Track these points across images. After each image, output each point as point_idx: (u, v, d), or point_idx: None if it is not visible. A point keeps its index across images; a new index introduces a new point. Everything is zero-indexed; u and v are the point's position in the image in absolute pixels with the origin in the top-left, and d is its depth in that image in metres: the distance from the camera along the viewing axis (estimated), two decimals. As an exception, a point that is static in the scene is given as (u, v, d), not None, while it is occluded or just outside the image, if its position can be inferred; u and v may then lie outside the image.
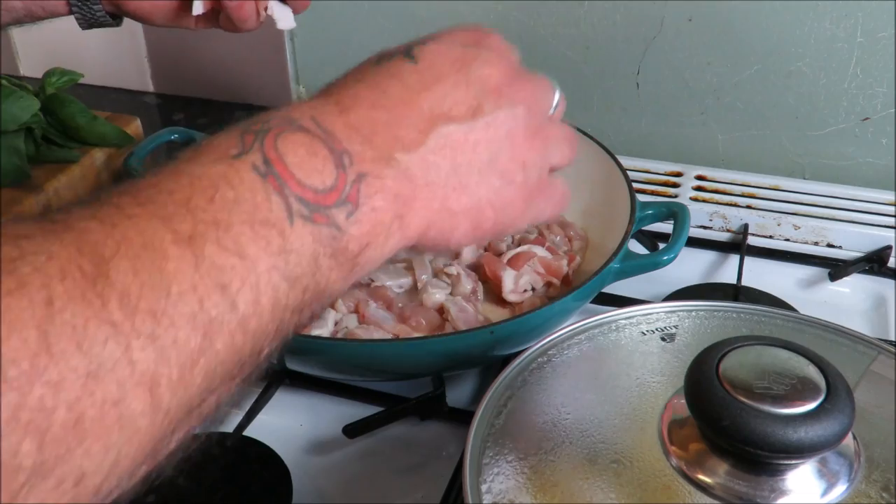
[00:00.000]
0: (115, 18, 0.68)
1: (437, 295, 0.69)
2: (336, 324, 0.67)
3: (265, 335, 0.35)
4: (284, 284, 0.34)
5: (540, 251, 0.72)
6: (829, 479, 0.40)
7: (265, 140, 0.36)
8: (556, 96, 0.49)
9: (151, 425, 0.29)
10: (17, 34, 1.19)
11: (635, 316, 0.52)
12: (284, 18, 0.69)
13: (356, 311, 0.68)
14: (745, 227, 0.85)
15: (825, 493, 0.39)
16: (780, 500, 0.39)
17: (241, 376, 0.35)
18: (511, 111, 0.44)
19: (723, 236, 0.86)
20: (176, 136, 0.85)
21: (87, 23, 0.67)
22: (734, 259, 0.81)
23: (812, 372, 0.40)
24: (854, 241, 0.83)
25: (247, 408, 0.64)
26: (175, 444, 0.32)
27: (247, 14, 0.66)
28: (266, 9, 0.67)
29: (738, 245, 0.83)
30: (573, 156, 0.49)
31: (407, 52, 0.44)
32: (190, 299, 0.30)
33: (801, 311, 0.66)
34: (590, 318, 0.52)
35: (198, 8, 0.66)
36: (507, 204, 0.44)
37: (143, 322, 0.28)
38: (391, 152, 0.39)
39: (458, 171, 0.42)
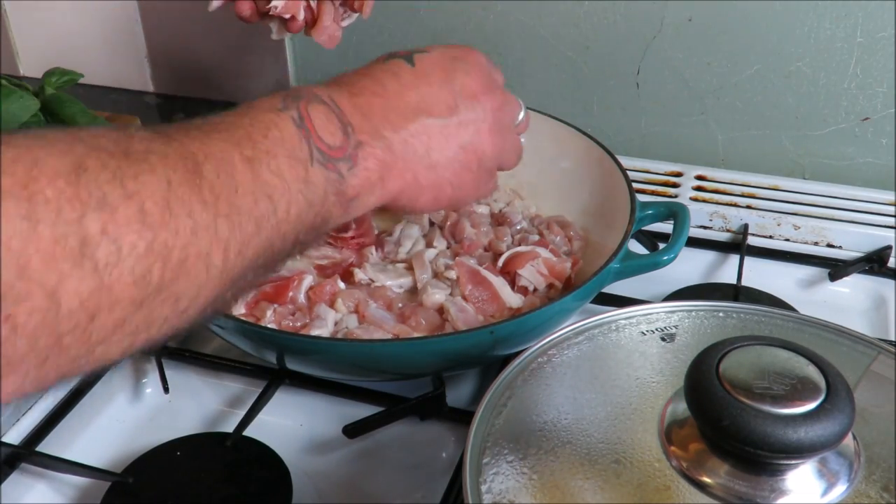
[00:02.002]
0: None
1: (437, 295, 0.69)
2: (336, 324, 0.67)
3: (289, 238, 0.45)
4: (305, 204, 0.45)
5: (544, 252, 0.72)
6: (829, 479, 0.40)
7: (300, 104, 0.48)
8: (522, 113, 0.63)
9: (220, 277, 0.39)
10: (17, 34, 1.19)
11: (635, 316, 0.52)
12: (280, 31, 0.73)
13: (356, 311, 0.68)
14: (745, 227, 0.85)
15: (825, 493, 0.39)
16: (780, 500, 0.39)
17: (266, 267, 0.44)
18: (482, 114, 0.57)
19: (723, 236, 0.86)
20: (176, 136, 0.85)
21: None
22: (734, 259, 0.81)
23: (812, 372, 0.40)
24: (854, 241, 0.83)
25: (247, 408, 0.64)
26: (221, 303, 0.42)
27: (246, 16, 0.72)
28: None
29: (738, 245, 0.83)
30: (515, 164, 0.64)
31: (408, 57, 0.56)
32: (248, 199, 0.41)
33: (801, 311, 0.66)
34: (590, 318, 0.52)
35: (214, 5, 0.72)
36: (463, 184, 0.57)
37: (223, 206, 0.39)
38: (382, 131, 0.52)
39: (430, 154, 0.54)
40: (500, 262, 0.72)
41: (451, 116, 0.55)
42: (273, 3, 0.69)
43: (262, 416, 0.64)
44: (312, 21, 0.72)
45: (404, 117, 0.53)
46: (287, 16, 0.70)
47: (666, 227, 0.74)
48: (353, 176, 0.49)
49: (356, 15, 0.74)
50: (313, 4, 0.71)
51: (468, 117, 0.56)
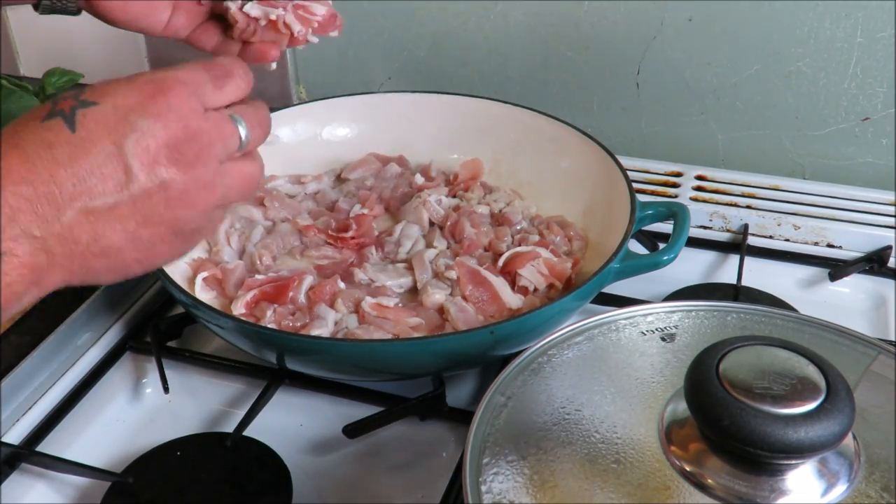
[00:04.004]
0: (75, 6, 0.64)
1: (436, 295, 0.69)
2: (336, 324, 0.67)
3: None
4: None
5: (544, 252, 0.72)
6: (829, 479, 0.40)
7: None
8: (243, 134, 0.49)
9: None
10: (17, 34, 1.19)
11: (635, 316, 0.52)
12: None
13: (356, 311, 0.68)
14: (745, 227, 0.84)
15: (825, 493, 0.39)
16: (780, 500, 0.39)
17: None
18: (168, 180, 0.45)
19: (723, 236, 0.86)
20: (176, 136, 0.85)
21: (50, 9, 0.65)
22: (734, 259, 0.81)
23: (812, 372, 0.40)
24: (854, 241, 0.83)
25: (247, 408, 0.64)
26: None
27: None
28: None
29: (738, 245, 0.83)
30: (249, 194, 0.52)
31: (71, 114, 0.44)
32: None
33: (801, 311, 0.66)
34: (590, 318, 0.52)
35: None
36: (156, 253, 0.47)
37: None
38: (30, 229, 0.42)
39: (98, 241, 0.44)
40: (501, 263, 0.72)
41: (121, 193, 0.44)
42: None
43: (262, 416, 0.64)
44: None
45: (57, 207, 0.42)
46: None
47: (666, 227, 0.74)
48: None
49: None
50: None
51: (148, 188, 0.44)
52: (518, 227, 0.78)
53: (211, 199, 0.48)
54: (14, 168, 0.42)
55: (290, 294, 0.69)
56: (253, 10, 0.58)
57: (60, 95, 0.46)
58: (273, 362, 0.65)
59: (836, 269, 0.80)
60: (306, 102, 0.90)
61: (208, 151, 0.47)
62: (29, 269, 0.42)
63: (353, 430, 0.62)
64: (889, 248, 0.81)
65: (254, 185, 0.52)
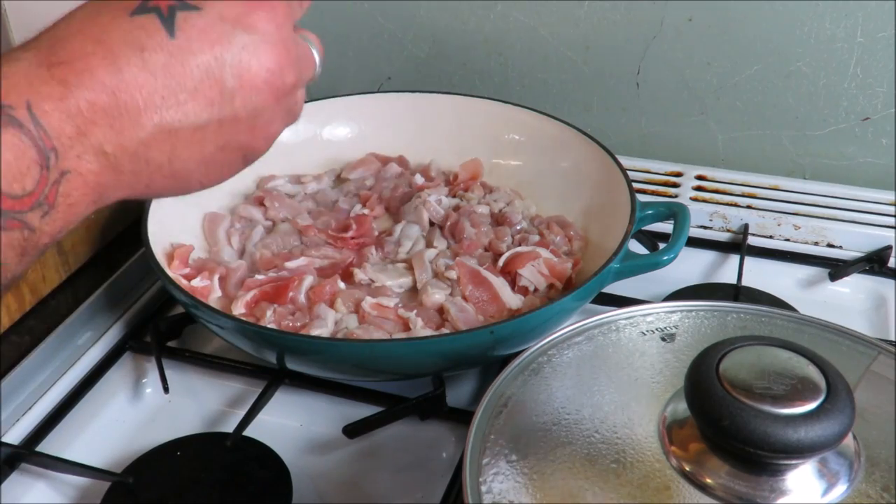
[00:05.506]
0: None
1: (436, 295, 0.69)
2: (336, 324, 0.67)
3: None
4: None
5: (545, 253, 0.72)
6: (829, 479, 0.40)
7: None
8: (318, 63, 0.47)
9: None
10: (17, 34, 1.19)
11: (635, 316, 0.52)
12: None
13: (356, 311, 0.68)
14: (745, 227, 0.85)
15: (825, 493, 0.39)
16: (780, 500, 0.39)
17: None
18: (259, 107, 0.42)
19: (723, 236, 0.86)
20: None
21: None
22: (734, 259, 0.81)
23: (812, 372, 0.40)
24: (854, 241, 0.83)
25: (247, 408, 0.64)
26: None
27: None
28: None
29: (738, 245, 0.83)
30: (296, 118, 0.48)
31: (170, 16, 0.39)
32: None
33: (801, 311, 0.66)
34: (590, 318, 0.52)
35: None
36: (219, 177, 0.44)
37: None
38: (103, 146, 0.38)
39: (172, 163, 0.40)
40: (501, 263, 0.72)
41: (210, 113, 0.40)
42: None
43: (262, 416, 0.64)
44: None
45: (139, 124, 0.38)
46: None
47: (666, 227, 0.74)
48: (51, 222, 0.37)
49: None
50: None
51: (238, 114, 0.41)
52: (518, 227, 0.78)
53: (284, 127, 0.46)
54: (96, 71, 0.37)
55: (290, 294, 0.69)
56: None
57: None
58: (273, 362, 0.65)
59: (836, 269, 0.80)
60: (306, 102, 0.90)
61: (299, 80, 0.44)
62: (93, 187, 0.38)
63: (353, 430, 0.62)
64: (889, 248, 0.81)
65: (299, 113, 0.48)
